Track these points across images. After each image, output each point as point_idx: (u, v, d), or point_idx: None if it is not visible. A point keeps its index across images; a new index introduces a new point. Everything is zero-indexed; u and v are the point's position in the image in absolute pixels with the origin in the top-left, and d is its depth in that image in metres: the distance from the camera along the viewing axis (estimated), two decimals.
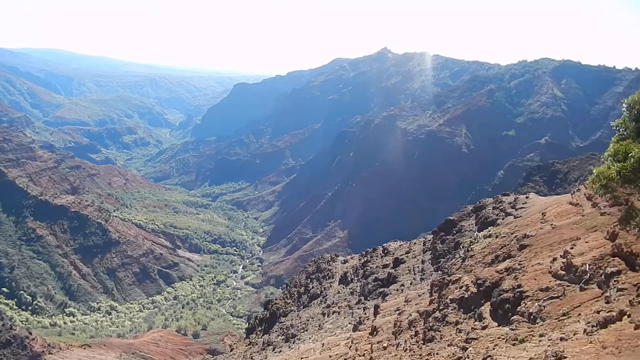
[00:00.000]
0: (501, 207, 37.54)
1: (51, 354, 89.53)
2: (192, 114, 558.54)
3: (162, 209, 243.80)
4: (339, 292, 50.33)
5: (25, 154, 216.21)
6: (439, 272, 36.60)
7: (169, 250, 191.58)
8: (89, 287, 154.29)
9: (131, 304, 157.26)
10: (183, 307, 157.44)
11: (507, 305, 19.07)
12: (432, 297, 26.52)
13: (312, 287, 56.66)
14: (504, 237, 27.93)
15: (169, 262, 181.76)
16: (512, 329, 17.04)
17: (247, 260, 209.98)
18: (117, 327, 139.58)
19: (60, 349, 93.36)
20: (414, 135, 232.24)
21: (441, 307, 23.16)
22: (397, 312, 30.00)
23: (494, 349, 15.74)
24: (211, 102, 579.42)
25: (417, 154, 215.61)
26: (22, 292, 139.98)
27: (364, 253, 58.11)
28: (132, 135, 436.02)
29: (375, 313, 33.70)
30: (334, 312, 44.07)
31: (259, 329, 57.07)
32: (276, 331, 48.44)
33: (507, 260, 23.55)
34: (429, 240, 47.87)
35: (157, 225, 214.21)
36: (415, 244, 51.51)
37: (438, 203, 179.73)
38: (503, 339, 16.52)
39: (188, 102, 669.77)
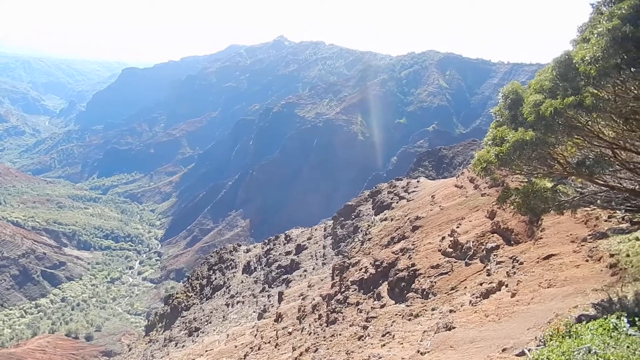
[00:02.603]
0: (395, 192, 39.72)
1: None
2: (75, 100, 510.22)
3: (43, 205, 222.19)
4: (242, 282, 50.09)
5: None
6: (340, 256, 37.95)
7: (53, 249, 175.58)
8: None
9: (10, 310, 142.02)
10: (73, 309, 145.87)
11: (402, 284, 20.40)
12: (334, 281, 27.48)
13: (215, 279, 55.72)
14: (399, 219, 29.69)
15: (54, 262, 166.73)
16: (408, 305, 18.30)
17: (144, 255, 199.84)
18: None
19: None
20: (312, 123, 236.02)
21: (343, 290, 24.12)
22: (301, 297, 30.65)
23: (392, 325, 16.78)
24: (97, 87, 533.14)
25: (316, 141, 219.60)
26: None
27: (266, 241, 58.31)
28: (4, 124, 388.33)
29: (280, 300, 34.12)
30: (238, 302, 43.82)
31: (160, 325, 54.98)
32: (178, 326, 47.02)
33: (402, 241, 25.12)
34: (330, 226, 49.35)
35: (37, 222, 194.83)
36: (316, 229, 52.79)
37: (337, 189, 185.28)
38: (400, 315, 17.68)
39: (70, 87, 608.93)
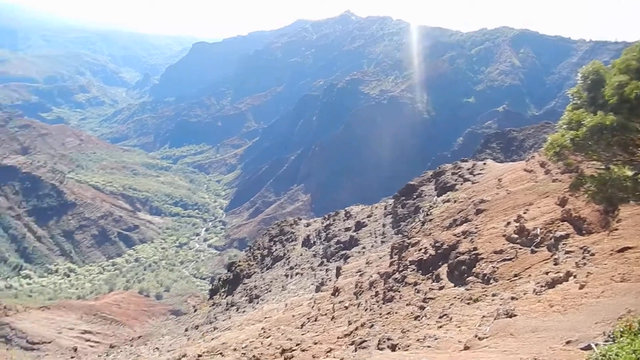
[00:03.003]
0: (460, 173, 38.69)
1: (7, 316, 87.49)
2: (150, 73, 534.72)
3: (120, 171, 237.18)
4: (301, 255, 51.22)
5: None
6: (399, 235, 37.78)
7: (128, 213, 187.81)
8: (45, 249, 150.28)
9: (90, 266, 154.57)
10: (145, 270, 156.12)
11: (463, 267, 20.06)
12: (392, 259, 27.47)
13: (275, 250, 57.35)
14: (462, 202, 28.98)
15: (129, 225, 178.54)
16: (467, 289, 18.02)
17: (210, 223, 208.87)
18: (77, 289, 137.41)
19: (17, 311, 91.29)
20: (377, 100, 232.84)
21: (401, 269, 24.09)
22: (359, 273, 30.95)
23: (449, 307, 16.65)
24: (169, 61, 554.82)
25: (380, 118, 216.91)
26: None
27: (326, 216, 58.99)
28: (86, 94, 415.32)
29: (337, 274, 34.63)
30: (297, 273, 44.96)
31: (223, 290, 57.61)
32: (240, 292, 49.06)
33: (465, 224, 24.56)
34: (390, 205, 49.03)
35: (115, 187, 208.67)
36: (376, 207, 52.66)
37: (399, 168, 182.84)
38: (459, 298, 17.47)
39: (144, 60, 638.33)
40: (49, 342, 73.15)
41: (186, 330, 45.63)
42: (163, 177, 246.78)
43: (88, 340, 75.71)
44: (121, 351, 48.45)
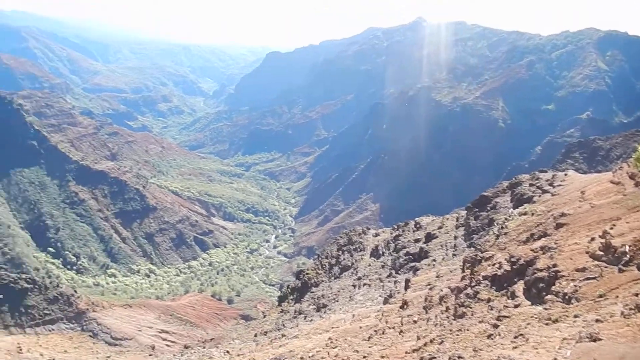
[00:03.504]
0: (538, 184, 36.79)
1: (95, 311, 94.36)
2: (226, 83, 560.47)
3: (196, 177, 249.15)
4: (370, 265, 50.88)
5: (67, 119, 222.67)
6: (472, 248, 36.46)
7: (204, 218, 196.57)
8: (129, 250, 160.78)
9: (168, 268, 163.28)
10: (218, 273, 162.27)
11: (541, 285, 18.99)
12: (464, 274, 26.56)
13: (344, 259, 57.38)
14: (540, 215, 27.50)
15: (204, 229, 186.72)
16: (546, 309, 17.01)
17: (280, 230, 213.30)
18: (156, 289, 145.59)
19: (103, 307, 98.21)
20: (449, 107, 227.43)
21: (473, 284, 23.22)
22: (428, 287, 30.23)
23: (526, 327, 15.81)
24: (244, 71, 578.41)
25: (452, 127, 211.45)
26: (67, 252, 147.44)
27: (395, 227, 58.18)
28: (167, 104, 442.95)
29: (406, 287, 34.03)
30: (364, 284, 44.69)
31: (291, 297, 58.47)
32: (307, 300, 49.55)
33: (543, 238, 23.26)
34: (462, 216, 47.51)
35: (192, 192, 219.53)
36: (447, 219, 51.21)
37: (472, 178, 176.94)
38: (536, 317, 16.54)
39: (221, 71, 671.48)
40: (130, 339, 78.00)
41: (255, 335, 46.72)
42: (236, 184, 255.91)
43: (165, 339, 79.86)
44: (194, 352, 50.47)
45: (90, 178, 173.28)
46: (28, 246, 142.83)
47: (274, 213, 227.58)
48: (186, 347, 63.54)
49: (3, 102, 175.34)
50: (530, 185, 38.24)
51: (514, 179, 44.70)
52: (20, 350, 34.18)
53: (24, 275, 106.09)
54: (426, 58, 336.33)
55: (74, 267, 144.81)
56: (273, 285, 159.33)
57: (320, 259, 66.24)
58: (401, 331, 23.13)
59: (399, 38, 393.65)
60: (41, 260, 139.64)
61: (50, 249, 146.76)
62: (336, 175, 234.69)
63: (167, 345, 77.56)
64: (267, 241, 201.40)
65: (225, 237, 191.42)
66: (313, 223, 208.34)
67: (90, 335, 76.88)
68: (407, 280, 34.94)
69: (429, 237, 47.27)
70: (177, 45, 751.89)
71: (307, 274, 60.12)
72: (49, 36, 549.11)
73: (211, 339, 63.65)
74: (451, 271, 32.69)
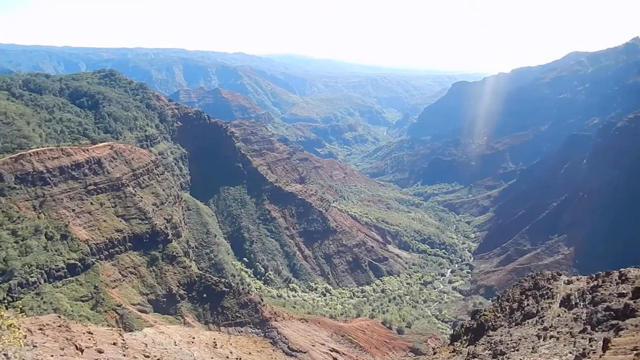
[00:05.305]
0: None
1: (276, 321, 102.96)
2: (409, 112, 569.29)
3: (375, 204, 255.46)
4: (559, 316, 45.21)
5: (266, 145, 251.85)
6: None
7: (379, 244, 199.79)
8: (309, 268, 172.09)
9: (343, 289, 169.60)
10: (390, 301, 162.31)
11: None
12: None
13: (527, 305, 52.11)
14: None
15: (379, 256, 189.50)
16: None
17: (456, 265, 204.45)
18: (330, 308, 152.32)
19: (284, 318, 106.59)
20: None
21: None
22: (634, 352, 25.55)
23: None
24: (428, 101, 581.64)
25: None
26: (257, 263, 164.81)
27: (593, 276, 50.77)
28: (353, 132, 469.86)
29: (605, 348, 29.27)
30: (551, 336, 39.81)
31: (464, 337, 55.25)
32: (483, 344, 46.18)
33: None
34: None
35: (370, 219, 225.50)
36: None
37: None
38: None
39: (406, 101, 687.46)
40: (304, 352, 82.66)
41: None
42: (413, 213, 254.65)
43: (335, 359, 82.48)
44: None
45: (281, 198, 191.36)
46: (228, 254, 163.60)
47: (452, 246, 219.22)
48: None
49: (220, 129, 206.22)
50: None
51: None
52: (216, 345, 39.22)
53: (223, 280, 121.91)
54: None
55: (262, 278, 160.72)
56: (446, 322, 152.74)
57: (500, 300, 61.34)
58: None
59: (608, 62, 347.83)
60: (237, 268, 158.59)
61: (244, 259, 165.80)
62: (523, 212, 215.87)
63: None
64: (442, 275, 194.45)
65: (399, 266, 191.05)
66: (494, 261, 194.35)
67: (271, 342, 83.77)
68: (606, 340, 30.03)
69: (638, 293, 40.07)
70: (365, 78, 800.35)
71: (485, 315, 56.12)
72: (259, 74, 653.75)
73: None
74: None
